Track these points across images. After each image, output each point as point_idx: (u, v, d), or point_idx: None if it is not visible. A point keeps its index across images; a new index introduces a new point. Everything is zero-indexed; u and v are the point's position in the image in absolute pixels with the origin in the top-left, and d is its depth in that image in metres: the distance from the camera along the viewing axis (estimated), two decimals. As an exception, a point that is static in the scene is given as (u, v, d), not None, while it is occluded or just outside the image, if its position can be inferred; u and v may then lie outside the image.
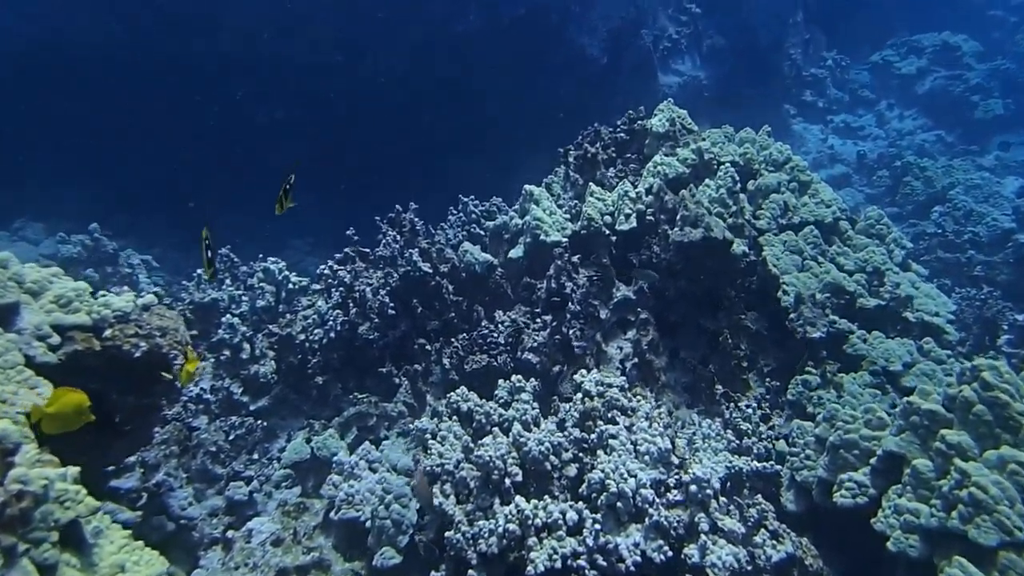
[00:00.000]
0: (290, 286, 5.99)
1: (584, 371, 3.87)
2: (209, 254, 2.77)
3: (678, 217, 4.75)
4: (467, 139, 9.98)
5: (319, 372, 5.15)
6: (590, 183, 5.40)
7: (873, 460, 3.19)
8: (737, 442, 3.99)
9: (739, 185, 5.01)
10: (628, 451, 3.27)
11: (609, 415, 3.56)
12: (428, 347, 5.24)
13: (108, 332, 2.86)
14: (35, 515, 2.10)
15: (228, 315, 5.26)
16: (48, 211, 10.24)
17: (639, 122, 5.56)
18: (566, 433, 3.52)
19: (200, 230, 2.89)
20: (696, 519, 2.93)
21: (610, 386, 3.73)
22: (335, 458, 3.57)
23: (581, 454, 3.43)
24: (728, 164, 5.03)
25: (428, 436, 3.68)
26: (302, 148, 10.39)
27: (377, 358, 5.19)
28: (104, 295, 3.00)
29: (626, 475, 3.09)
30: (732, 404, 4.33)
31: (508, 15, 10.28)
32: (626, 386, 3.76)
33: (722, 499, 3.01)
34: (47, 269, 2.94)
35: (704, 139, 5.34)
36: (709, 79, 11.51)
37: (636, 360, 4.78)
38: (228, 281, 6.04)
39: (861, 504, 3.14)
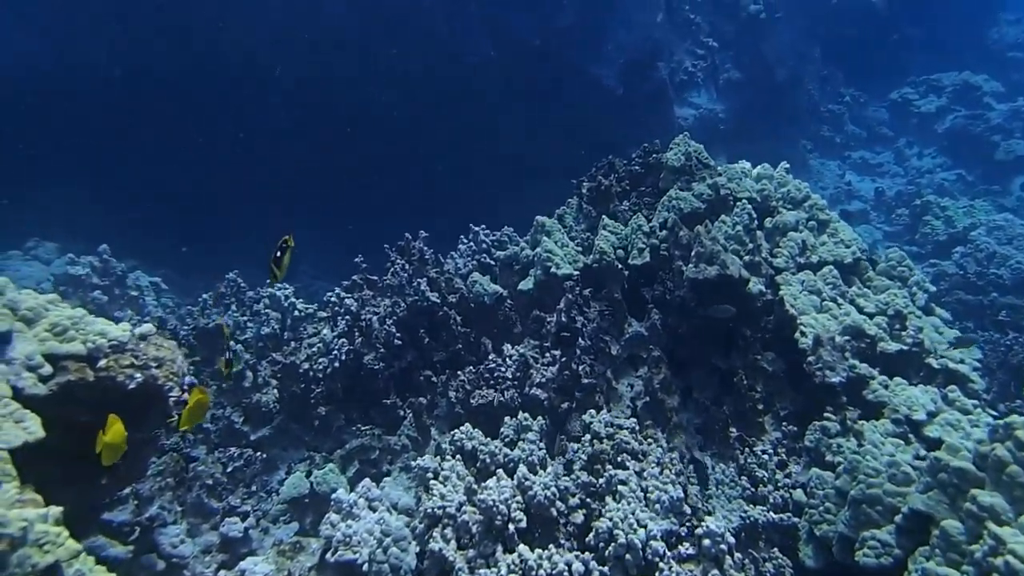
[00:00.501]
0: (296, 313, 5.91)
1: (593, 411, 3.74)
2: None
3: (693, 253, 4.63)
4: (479, 167, 9.96)
5: (322, 402, 5.04)
6: (603, 216, 5.31)
7: (898, 518, 3.01)
8: (752, 490, 3.82)
9: (756, 222, 4.90)
10: (638, 499, 3.12)
11: (619, 459, 3.41)
12: (434, 379, 5.13)
13: (103, 362, 2.77)
14: (11, 559, 1.99)
15: (231, 342, 5.18)
16: (60, 231, 10.29)
17: (654, 155, 5.48)
18: (574, 476, 3.38)
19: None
20: (709, 576, 2.77)
21: (620, 428, 3.59)
22: (334, 496, 3.43)
23: (589, 499, 3.28)
24: (745, 200, 4.93)
25: (430, 475, 3.55)
26: (312, 172, 10.43)
27: (382, 389, 5.07)
28: (101, 323, 2.92)
29: (636, 525, 2.94)
30: (747, 448, 4.17)
31: (522, 45, 10.33)
32: (637, 428, 3.61)
33: (737, 555, 2.85)
34: (44, 296, 2.87)
35: (720, 174, 5.25)
36: (726, 112, 11.48)
37: (647, 399, 4.63)
38: (234, 307, 5.97)
39: (886, 565, 2.96)
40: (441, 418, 4.99)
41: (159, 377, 2.86)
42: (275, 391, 5.14)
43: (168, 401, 2.96)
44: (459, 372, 4.93)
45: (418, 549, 3.25)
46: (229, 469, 4.13)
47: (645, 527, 2.92)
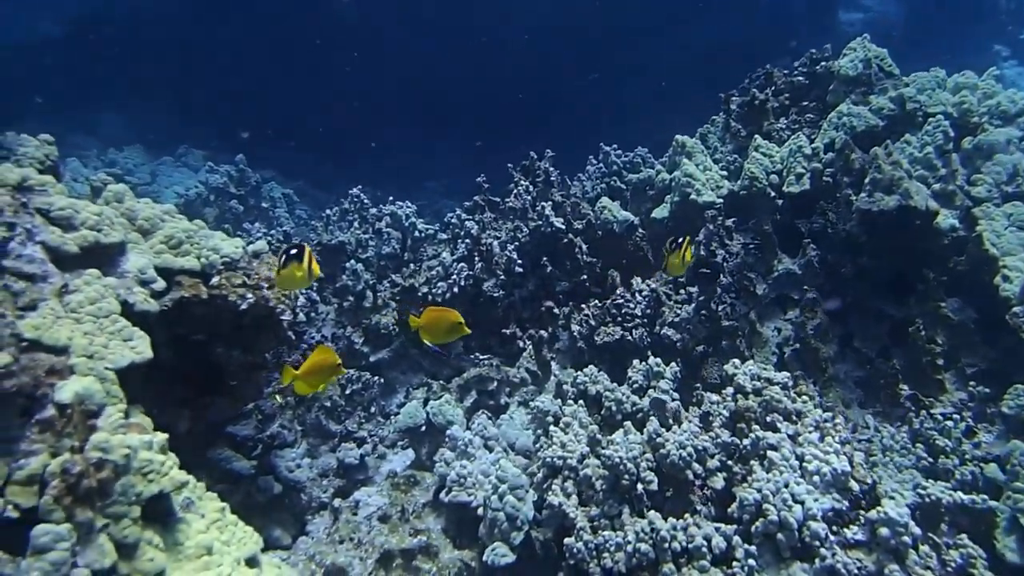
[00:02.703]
0: (416, 233, 5.74)
1: (737, 361, 3.25)
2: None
3: (867, 180, 3.89)
4: (612, 84, 9.23)
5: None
6: (755, 135, 4.61)
7: None
8: (930, 460, 3.24)
9: (952, 143, 4.03)
10: (792, 468, 2.67)
11: (767, 419, 2.94)
12: (556, 311, 4.81)
13: (215, 279, 2.65)
14: (115, 487, 1.90)
15: (352, 260, 5.09)
16: (209, 140, 10.81)
17: (823, 63, 4.64)
18: (713, 435, 2.96)
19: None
20: (886, 571, 2.31)
21: (769, 382, 3.10)
22: (449, 432, 3.25)
23: (731, 462, 2.87)
24: (940, 116, 4.05)
25: (550, 419, 3.27)
26: (441, 85, 10.16)
27: (501, 317, 4.83)
28: (216, 237, 2.79)
29: (790, 500, 2.50)
30: (923, 410, 3.54)
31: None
32: (789, 384, 3.11)
33: (923, 548, 2.35)
34: (161, 206, 2.77)
35: (907, 84, 4.35)
36: (900, 15, 9.83)
37: (798, 345, 4.08)
38: (356, 223, 5.89)
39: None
40: (562, 352, 4.69)
41: (270, 299, 2.71)
42: (394, 314, 5.04)
43: (281, 324, 2.83)
44: (583, 305, 4.57)
45: (535, 497, 3.01)
46: (347, 392, 4.08)
47: (802, 503, 2.48)
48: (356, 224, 5.80)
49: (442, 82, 10.28)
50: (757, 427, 2.91)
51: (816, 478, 2.60)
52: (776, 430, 2.85)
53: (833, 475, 2.58)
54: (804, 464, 2.66)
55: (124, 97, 12.00)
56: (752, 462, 2.80)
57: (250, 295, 2.68)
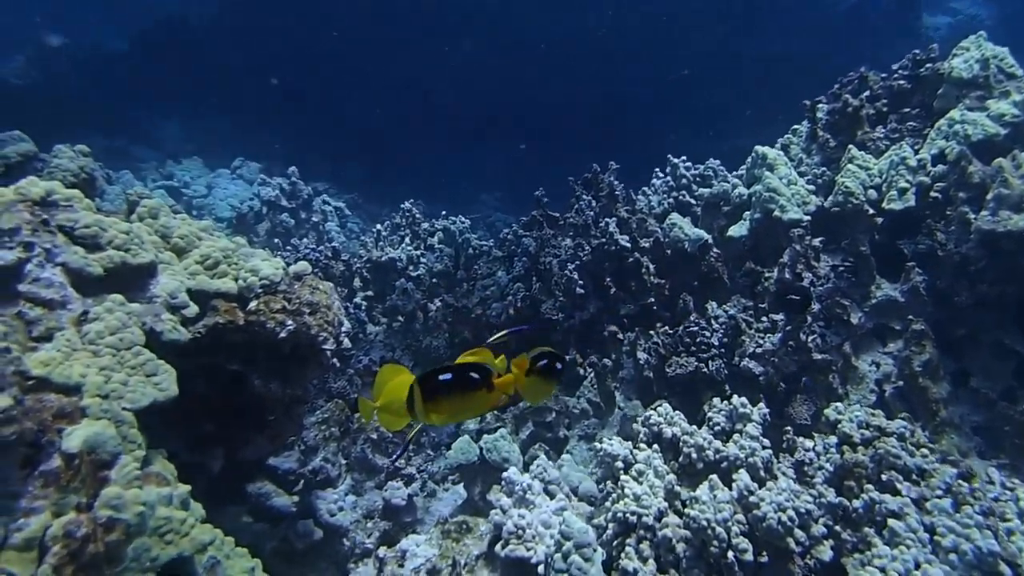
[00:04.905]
0: (470, 250, 5.45)
1: (840, 406, 2.81)
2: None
3: (989, 196, 3.39)
4: (671, 97, 8.80)
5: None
6: (848, 145, 4.14)
7: None
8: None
9: (1090, 154, 3.49)
10: (920, 542, 2.22)
11: (883, 477, 2.50)
12: (620, 336, 4.42)
13: (253, 304, 2.38)
14: (127, 552, 1.62)
15: (403, 279, 4.83)
16: (265, 152, 10.85)
17: (928, 65, 4.14)
18: (815, 493, 2.53)
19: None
20: None
21: (882, 431, 2.65)
22: (505, 474, 2.90)
23: (839, 528, 2.43)
24: (1075, 123, 3.52)
25: (619, 465, 2.88)
26: (494, 95, 9.94)
27: (560, 342, 4.47)
28: (256, 256, 2.53)
29: (923, 586, 2.06)
30: (1060, 469, 3.01)
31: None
32: (907, 433, 2.65)
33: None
34: (198, 223, 2.53)
35: (1030, 87, 3.82)
36: (992, 17, 9.10)
37: (901, 383, 3.59)
38: (408, 239, 5.65)
39: None
40: (627, 382, 4.30)
41: (312, 325, 2.43)
42: (446, 335, 4.74)
43: (324, 354, 2.54)
44: (651, 331, 4.17)
45: (603, 556, 2.63)
46: (396, 422, 3.78)
47: (939, 591, 2.04)
48: (408, 239, 5.56)
49: (498, 90, 10.05)
50: (870, 486, 2.47)
51: (954, 556, 2.15)
52: (896, 492, 2.40)
53: (976, 555, 2.12)
54: (936, 538, 2.21)
55: (186, 109, 12.22)
56: (866, 529, 2.36)
57: (290, 321, 2.40)
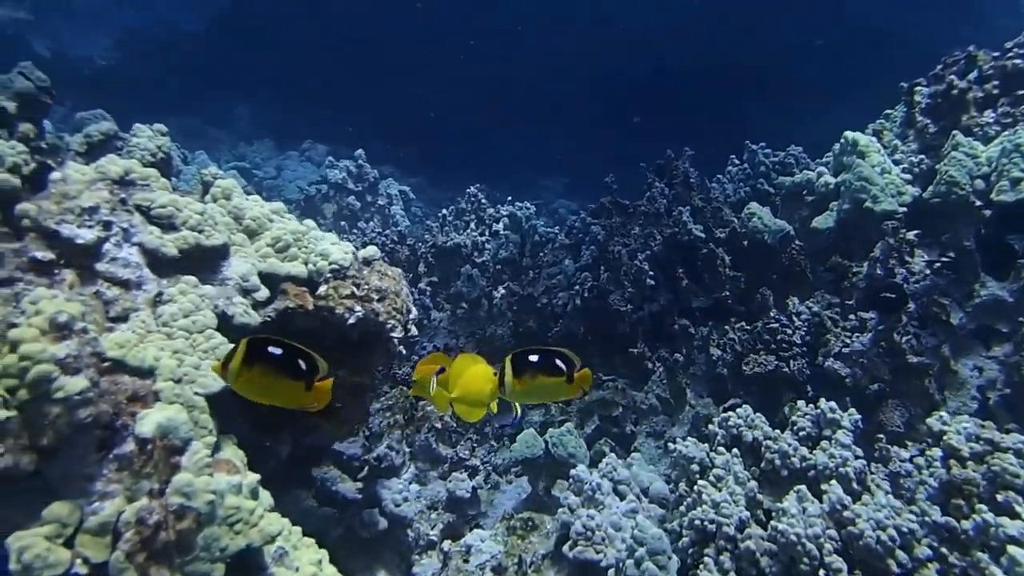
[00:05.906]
0: (536, 237, 5.33)
1: (945, 415, 2.57)
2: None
3: (1121, 188, 3.04)
4: (753, 78, 8.41)
5: (560, 343, 4.43)
6: (953, 131, 3.81)
7: None
8: None
9: None
10: (1042, 573, 1.99)
11: (999, 497, 2.26)
12: (692, 330, 4.23)
13: (322, 289, 2.32)
14: (197, 541, 1.58)
15: (468, 265, 4.75)
16: (332, 134, 10.97)
17: (1047, 42, 3.76)
18: (917, 511, 2.31)
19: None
20: None
21: (995, 446, 2.40)
22: (573, 472, 2.79)
23: (945, 550, 2.22)
24: None
25: (695, 468, 2.73)
26: (568, 81, 9.74)
27: (629, 334, 4.31)
28: (326, 240, 2.47)
29: (1048, 624, 1.84)
30: None
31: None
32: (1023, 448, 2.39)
33: None
34: (269, 205, 2.48)
35: None
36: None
37: (1008, 391, 3.29)
38: (473, 224, 5.57)
39: None
40: (698, 379, 4.11)
41: (380, 312, 2.36)
42: (511, 324, 4.64)
43: (392, 341, 2.47)
44: (726, 327, 3.96)
45: (678, 564, 2.49)
46: (460, 411, 3.71)
47: (1069, 631, 1.83)
48: (472, 225, 5.48)
49: (566, 76, 9.86)
50: (982, 506, 2.24)
51: (1082, 592, 1.91)
52: (1015, 515, 2.16)
53: (1111, 593, 1.88)
54: (1061, 569, 1.98)
55: (259, 92, 12.47)
56: (978, 554, 2.14)
57: (359, 308, 2.33)
